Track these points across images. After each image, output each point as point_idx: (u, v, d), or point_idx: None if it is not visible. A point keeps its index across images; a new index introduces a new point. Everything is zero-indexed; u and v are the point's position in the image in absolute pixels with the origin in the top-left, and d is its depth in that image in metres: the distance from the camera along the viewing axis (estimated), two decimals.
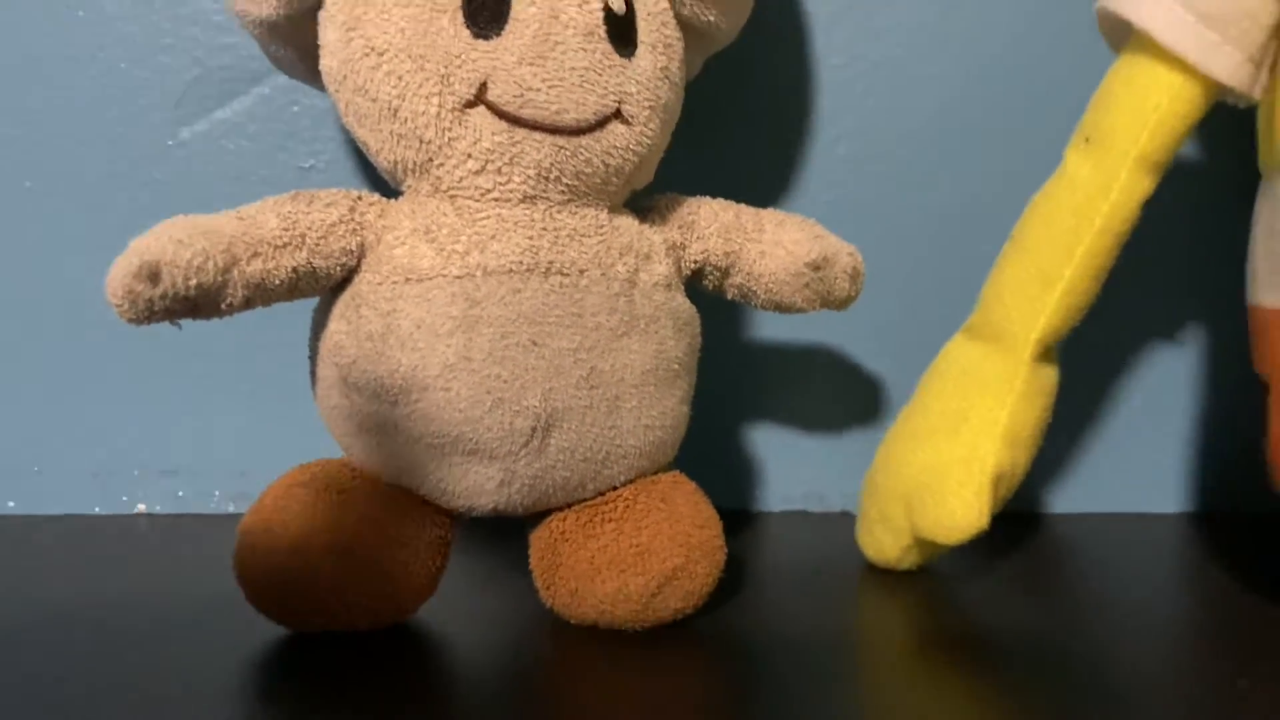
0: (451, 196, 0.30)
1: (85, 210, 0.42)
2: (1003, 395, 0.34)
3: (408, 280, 0.29)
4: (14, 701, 0.27)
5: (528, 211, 0.30)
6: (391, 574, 0.30)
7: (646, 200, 0.34)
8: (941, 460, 0.34)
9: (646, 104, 0.31)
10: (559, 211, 0.31)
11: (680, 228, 0.34)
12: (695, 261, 0.34)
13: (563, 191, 0.31)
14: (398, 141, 0.30)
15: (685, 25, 0.33)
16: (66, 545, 0.40)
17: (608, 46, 0.30)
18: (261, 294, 0.29)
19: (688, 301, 0.33)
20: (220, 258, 0.27)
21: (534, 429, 0.30)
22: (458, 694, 0.28)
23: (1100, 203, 0.33)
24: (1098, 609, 0.35)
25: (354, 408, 0.30)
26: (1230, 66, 0.31)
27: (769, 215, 0.35)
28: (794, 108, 0.44)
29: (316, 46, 0.31)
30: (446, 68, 0.29)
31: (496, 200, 0.30)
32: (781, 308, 0.35)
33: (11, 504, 0.44)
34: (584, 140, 0.30)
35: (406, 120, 0.29)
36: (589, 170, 0.31)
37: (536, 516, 0.33)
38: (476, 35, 0.29)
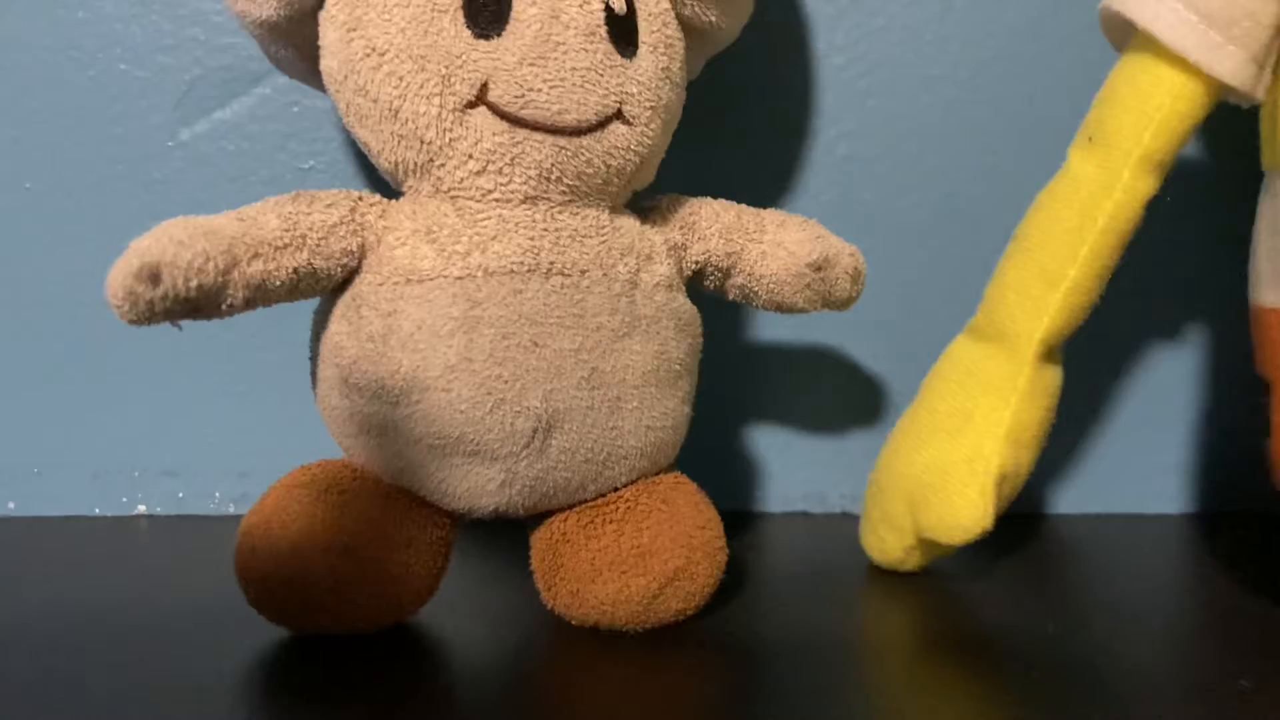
0: (452, 197, 0.30)
1: (85, 211, 0.42)
2: (1006, 395, 0.34)
3: (409, 281, 0.29)
4: (14, 703, 0.27)
5: (529, 212, 0.30)
6: (392, 575, 0.30)
7: (648, 201, 0.34)
8: (945, 460, 0.34)
9: (648, 104, 0.31)
10: (560, 212, 0.31)
11: (682, 228, 0.34)
12: (696, 262, 0.34)
13: (564, 192, 0.31)
14: (398, 142, 0.30)
15: (686, 25, 0.33)
16: (67, 547, 0.40)
17: (609, 47, 0.30)
18: (262, 295, 0.29)
19: (689, 302, 0.33)
20: (221, 259, 0.27)
21: (535, 430, 0.30)
22: (459, 695, 0.28)
23: (1104, 202, 0.33)
24: (1101, 610, 0.35)
25: (355, 408, 0.30)
26: (1233, 67, 0.31)
27: (770, 216, 0.35)
28: (794, 107, 0.44)
29: (317, 47, 0.31)
30: (447, 68, 0.29)
31: (498, 201, 0.30)
32: (783, 308, 0.35)
33: (11, 505, 0.44)
34: (585, 141, 0.30)
35: (407, 121, 0.29)
36: (590, 171, 0.31)
37: (537, 517, 0.33)
38: (477, 35, 0.29)
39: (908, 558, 0.36)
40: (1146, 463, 0.46)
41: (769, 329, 0.45)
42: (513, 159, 0.30)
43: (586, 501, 0.32)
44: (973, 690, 0.29)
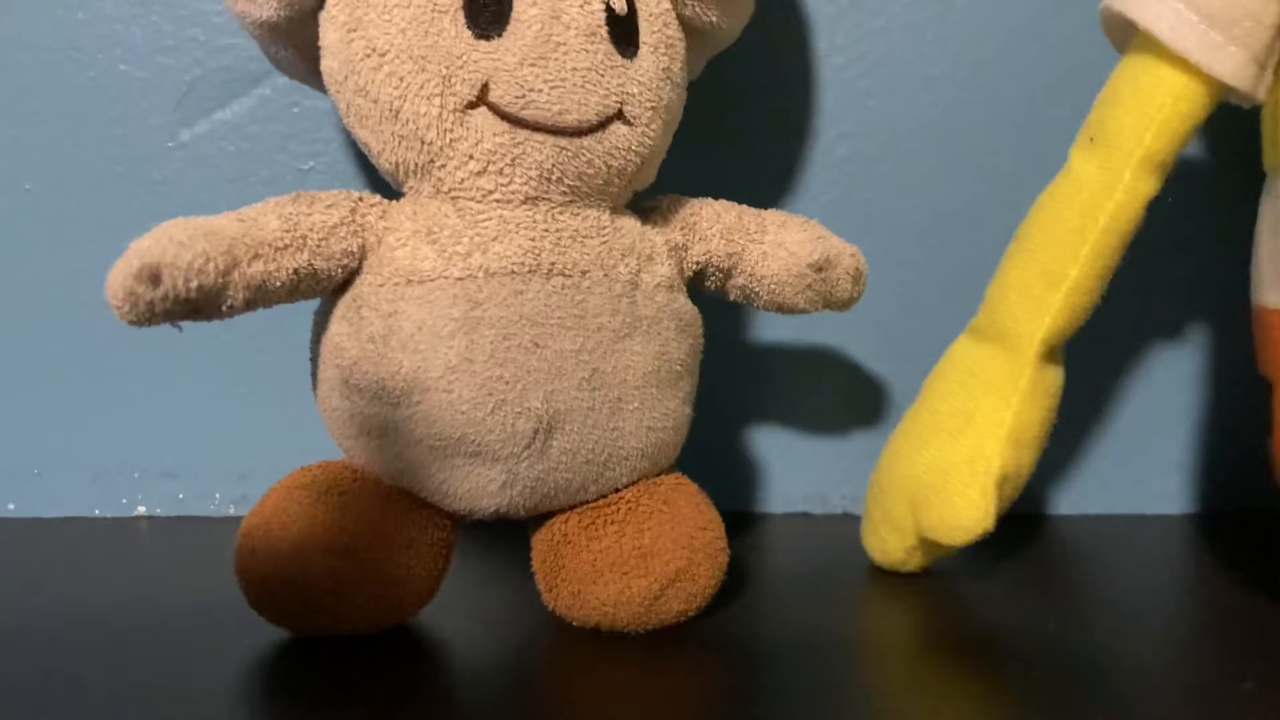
0: (453, 198, 0.30)
1: (85, 212, 0.42)
2: (1008, 396, 0.34)
3: (409, 282, 0.29)
4: (14, 704, 0.26)
5: (530, 213, 0.30)
6: (393, 576, 0.30)
7: (648, 201, 0.34)
8: (946, 461, 0.34)
9: (648, 105, 0.31)
10: (561, 213, 0.30)
11: (682, 229, 0.34)
12: (697, 263, 0.34)
13: (565, 193, 0.30)
14: (399, 143, 0.30)
15: (687, 26, 0.33)
16: (66, 548, 0.40)
17: (609, 47, 0.30)
18: (262, 296, 0.28)
19: (690, 303, 0.33)
20: (221, 260, 0.27)
21: (536, 431, 0.30)
22: (459, 697, 0.28)
23: (1105, 202, 0.33)
24: (1101, 610, 0.35)
25: (355, 409, 0.30)
26: (1234, 67, 0.31)
27: (771, 216, 0.35)
28: (795, 107, 0.44)
29: (317, 47, 0.31)
30: (448, 69, 0.29)
31: (498, 201, 0.30)
32: (784, 309, 0.35)
33: (11, 506, 0.44)
34: (586, 141, 0.30)
35: (408, 121, 0.29)
36: (591, 171, 0.31)
37: (538, 519, 0.33)
38: (478, 36, 0.29)
39: (909, 558, 0.36)
40: (1147, 463, 0.46)
41: (770, 330, 0.45)
42: (513, 159, 0.30)
43: (588, 502, 0.32)
44: (974, 690, 0.29)
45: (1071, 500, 0.46)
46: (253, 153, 0.43)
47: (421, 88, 0.29)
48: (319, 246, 0.29)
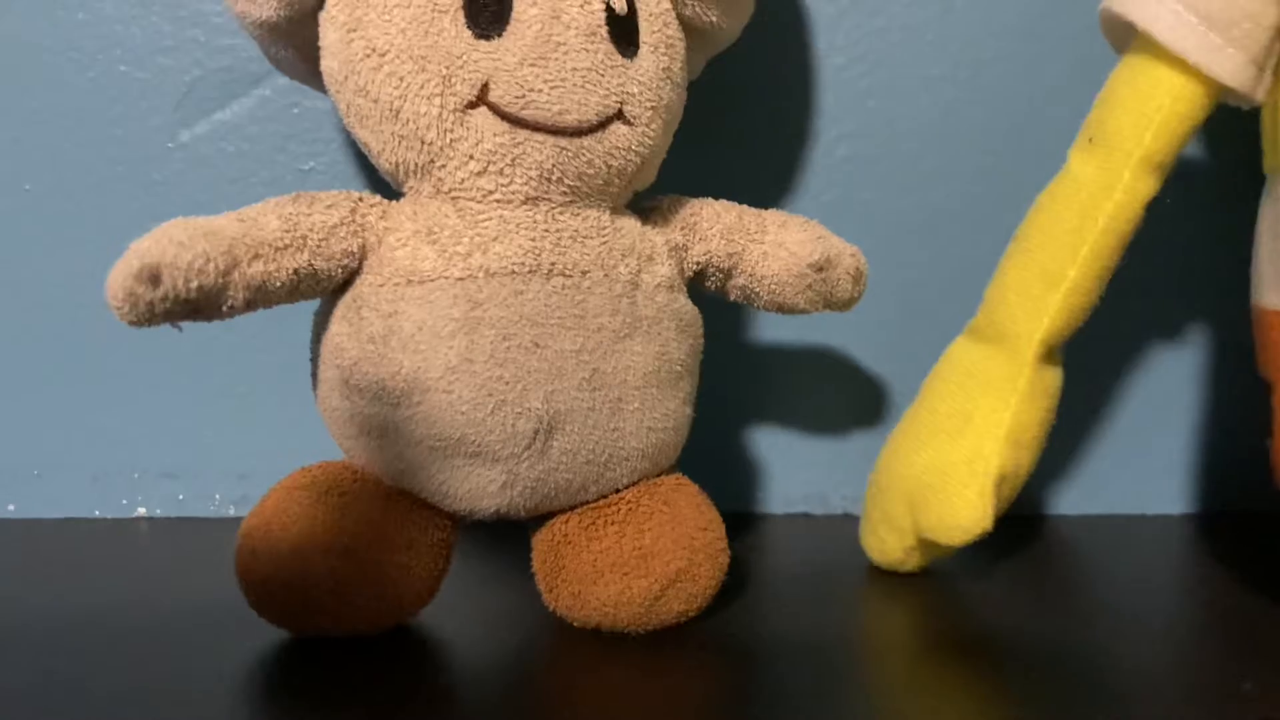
0: (453, 198, 0.30)
1: (85, 212, 0.42)
2: (1006, 396, 0.34)
3: (409, 282, 0.29)
4: (14, 705, 0.26)
5: (530, 213, 0.30)
6: (393, 577, 0.30)
7: (649, 201, 0.34)
8: (945, 461, 0.34)
9: (649, 105, 0.31)
10: (561, 213, 0.30)
11: (683, 229, 0.34)
12: (698, 263, 0.34)
13: (565, 193, 0.30)
14: (399, 143, 0.30)
15: (687, 26, 0.33)
16: (66, 549, 0.40)
17: (610, 47, 0.30)
18: (263, 296, 0.28)
19: (690, 303, 0.33)
20: (221, 260, 0.27)
21: (536, 431, 0.30)
22: (460, 697, 0.28)
23: (1104, 203, 0.33)
24: (1101, 611, 0.35)
25: (355, 410, 0.30)
26: (1233, 68, 0.31)
27: (771, 216, 0.35)
28: (795, 108, 0.44)
29: (317, 48, 0.31)
30: (448, 68, 0.29)
31: (498, 202, 0.30)
32: (784, 309, 0.35)
33: (11, 507, 0.44)
34: (586, 141, 0.30)
35: (408, 121, 0.29)
36: (591, 171, 0.31)
37: (539, 519, 0.33)
38: (478, 36, 0.29)
39: (908, 558, 0.36)
40: (1146, 463, 0.46)
41: (770, 330, 0.45)
42: (513, 160, 0.30)
43: (588, 503, 0.32)
44: (973, 690, 0.29)
45: (1071, 500, 0.46)
46: (253, 153, 0.43)
47: (421, 88, 0.29)
48: (319, 247, 0.29)
